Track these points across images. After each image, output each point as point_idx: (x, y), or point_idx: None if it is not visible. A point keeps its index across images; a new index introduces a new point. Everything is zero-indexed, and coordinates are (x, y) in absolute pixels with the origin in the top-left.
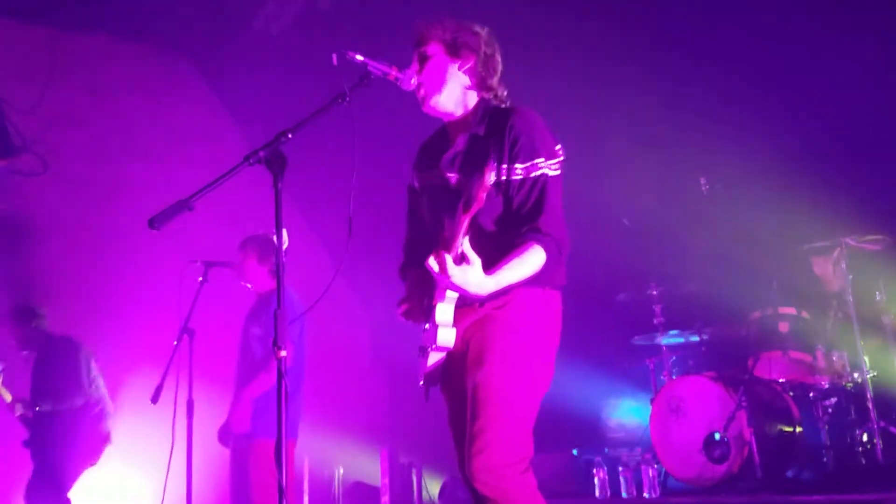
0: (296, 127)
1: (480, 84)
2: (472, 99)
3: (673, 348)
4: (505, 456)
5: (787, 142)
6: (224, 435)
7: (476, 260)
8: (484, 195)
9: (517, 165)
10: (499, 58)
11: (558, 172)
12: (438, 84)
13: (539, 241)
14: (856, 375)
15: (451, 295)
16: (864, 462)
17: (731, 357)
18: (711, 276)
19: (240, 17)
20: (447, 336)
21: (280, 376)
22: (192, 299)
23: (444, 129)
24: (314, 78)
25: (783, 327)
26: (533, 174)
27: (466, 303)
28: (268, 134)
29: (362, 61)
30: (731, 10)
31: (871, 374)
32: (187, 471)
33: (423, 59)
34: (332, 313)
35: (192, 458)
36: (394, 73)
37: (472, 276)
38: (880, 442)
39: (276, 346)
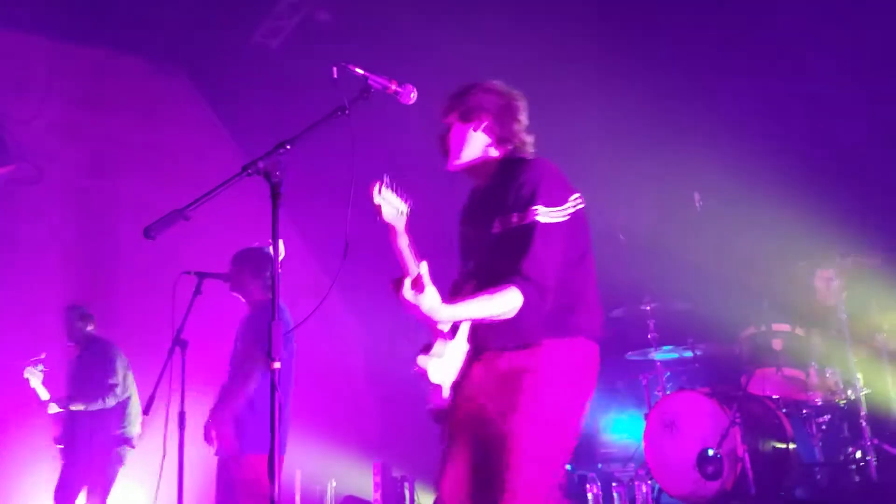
0: (295, 138)
1: (499, 139)
2: (494, 153)
3: (667, 364)
4: None
5: (782, 158)
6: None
7: (429, 286)
8: (378, 204)
9: (515, 214)
10: (518, 103)
11: (560, 219)
12: (458, 149)
13: (516, 284)
14: (849, 392)
15: (444, 328)
16: (857, 480)
17: (724, 373)
18: (705, 292)
19: (238, 31)
20: (427, 363)
21: (273, 388)
22: (185, 310)
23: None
24: (312, 93)
25: (777, 344)
26: (525, 221)
27: (488, 348)
28: (265, 148)
29: (363, 74)
30: (729, 27)
31: (865, 392)
32: (178, 482)
33: (446, 129)
34: (326, 328)
35: (184, 470)
36: (393, 86)
37: (423, 300)
38: (874, 459)
39: (270, 357)
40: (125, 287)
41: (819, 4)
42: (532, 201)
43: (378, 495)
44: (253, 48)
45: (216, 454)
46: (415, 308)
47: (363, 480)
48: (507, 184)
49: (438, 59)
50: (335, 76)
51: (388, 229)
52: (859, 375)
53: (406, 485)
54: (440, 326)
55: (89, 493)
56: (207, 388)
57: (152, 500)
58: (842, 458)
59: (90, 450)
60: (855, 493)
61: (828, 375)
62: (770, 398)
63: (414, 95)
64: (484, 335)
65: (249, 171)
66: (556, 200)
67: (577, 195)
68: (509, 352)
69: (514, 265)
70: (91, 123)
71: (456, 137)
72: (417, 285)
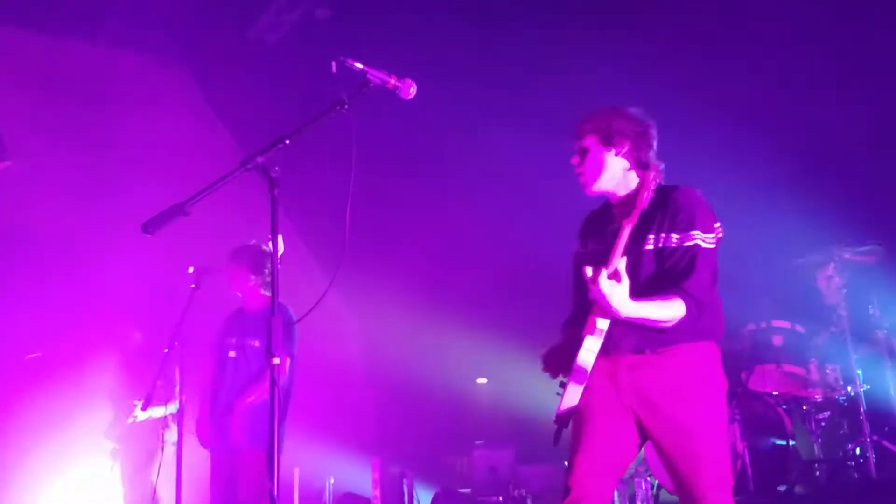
0: (293, 133)
1: (637, 164)
2: (633, 178)
3: None
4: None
5: (781, 155)
6: (205, 436)
7: (625, 280)
8: (639, 212)
9: (674, 235)
10: (652, 131)
11: (713, 246)
12: (597, 172)
13: (682, 297)
14: (849, 389)
15: (601, 326)
16: (856, 476)
17: (724, 370)
18: None
19: (236, 27)
20: (586, 357)
21: (273, 384)
22: (183, 306)
23: (609, 206)
24: (311, 89)
25: (777, 340)
26: (687, 243)
27: (635, 351)
28: (263, 144)
29: (362, 69)
30: (730, 26)
31: (865, 388)
32: (177, 477)
33: (583, 152)
34: (325, 325)
35: (182, 464)
36: (393, 81)
37: (616, 292)
38: (873, 456)
39: (270, 353)
40: (123, 282)
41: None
42: (691, 226)
43: (377, 492)
44: (252, 43)
45: (204, 445)
46: (604, 298)
47: (362, 477)
48: (660, 207)
49: (438, 53)
50: (334, 70)
51: (630, 212)
52: (859, 372)
53: (404, 481)
54: (600, 324)
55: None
56: (206, 384)
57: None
58: (841, 454)
59: (151, 456)
60: (854, 490)
61: (828, 372)
62: (770, 394)
63: (413, 90)
64: (626, 338)
65: (248, 166)
66: (709, 228)
67: (719, 223)
68: (661, 353)
69: (678, 281)
70: (89, 119)
71: (594, 161)
72: (616, 277)
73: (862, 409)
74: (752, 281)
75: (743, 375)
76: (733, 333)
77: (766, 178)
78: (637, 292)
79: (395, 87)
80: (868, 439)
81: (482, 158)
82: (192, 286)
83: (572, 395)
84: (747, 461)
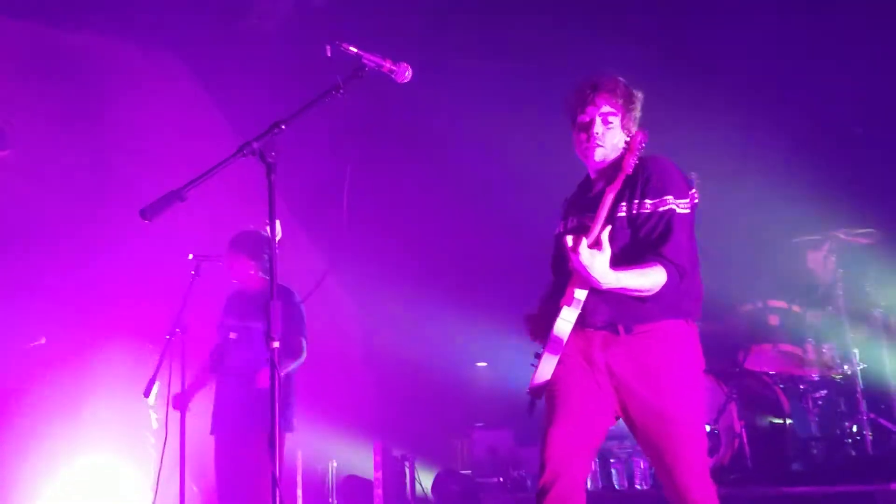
0: (289, 118)
1: (629, 133)
2: (620, 148)
3: None
4: (707, 483)
5: (778, 137)
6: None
7: (607, 249)
8: (623, 177)
9: (647, 201)
10: None
11: (688, 212)
12: (616, 145)
13: (661, 264)
14: (846, 367)
15: (579, 297)
16: (853, 454)
17: (721, 350)
18: (702, 270)
19: (232, 14)
20: (563, 327)
21: (273, 367)
22: (184, 293)
23: (588, 178)
24: (307, 75)
25: (773, 320)
26: (661, 209)
27: (608, 327)
28: (260, 130)
29: (356, 53)
30: (727, 10)
31: (861, 367)
32: (180, 464)
33: (607, 124)
34: (324, 309)
35: (185, 451)
36: (388, 65)
37: (597, 262)
38: (870, 433)
39: (270, 337)
40: (123, 271)
41: None
42: (664, 191)
43: (379, 474)
44: (247, 29)
45: (213, 433)
46: (584, 268)
47: (364, 460)
48: (633, 174)
49: (434, 39)
50: (328, 55)
51: (613, 178)
52: (856, 351)
53: (406, 464)
54: (577, 294)
55: None
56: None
57: (154, 482)
58: (838, 432)
59: None
60: (851, 468)
61: (824, 351)
62: (767, 374)
63: (409, 74)
64: (599, 310)
65: (244, 152)
66: (683, 193)
67: (694, 190)
68: (636, 333)
69: (656, 248)
70: (85, 107)
71: (616, 136)
72: (598, 245)
73: (858, 388)
74: (749, 261)
75: (740, 355)
76: (729, 313)
77: (764, 159)
78: (611, 261)
79: (391, 72)
80: (865, 417)
81: (483, 142)
82: (192, 273)
83: (546, 366)
84: (745, 440)
